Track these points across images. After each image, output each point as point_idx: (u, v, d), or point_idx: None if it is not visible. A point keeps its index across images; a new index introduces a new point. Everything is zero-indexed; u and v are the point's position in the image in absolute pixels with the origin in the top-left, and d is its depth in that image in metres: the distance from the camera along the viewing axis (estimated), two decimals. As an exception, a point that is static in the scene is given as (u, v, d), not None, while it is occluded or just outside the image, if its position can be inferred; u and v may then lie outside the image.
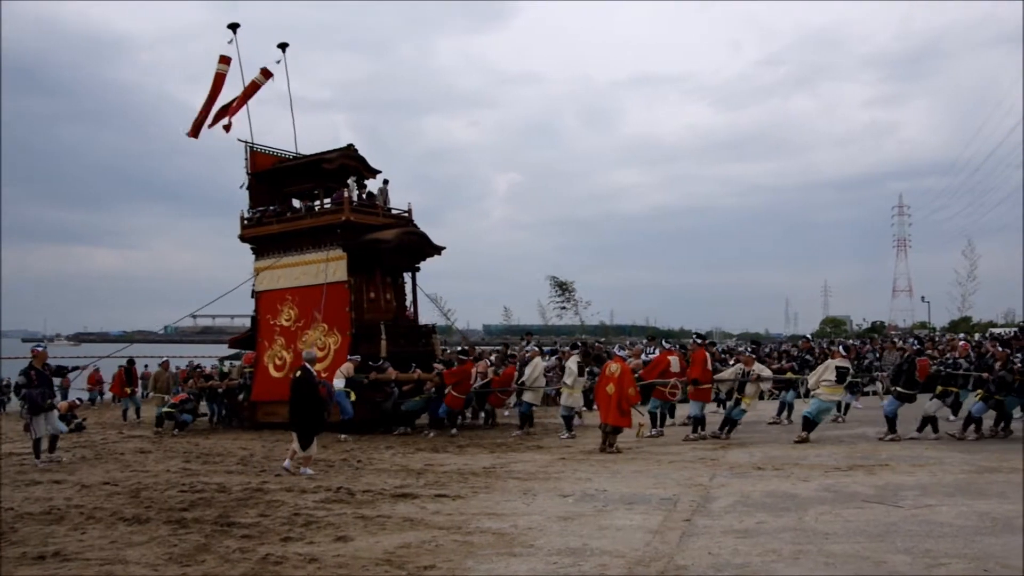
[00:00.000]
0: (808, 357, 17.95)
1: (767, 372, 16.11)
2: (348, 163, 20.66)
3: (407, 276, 21.31)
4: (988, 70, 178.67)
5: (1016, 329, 30.02)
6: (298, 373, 12.40)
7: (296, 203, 21.22)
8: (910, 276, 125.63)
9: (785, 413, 17.20)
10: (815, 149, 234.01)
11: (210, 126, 21.36)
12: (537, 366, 17.56)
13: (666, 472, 11.61)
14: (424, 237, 20.69)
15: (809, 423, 14.03)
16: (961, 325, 52.35)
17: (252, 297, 20.96)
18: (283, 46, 22.28)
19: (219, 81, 21.50)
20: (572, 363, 16.32)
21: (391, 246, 19.43)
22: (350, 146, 20.70)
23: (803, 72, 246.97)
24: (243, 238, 21.08)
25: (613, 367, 14.24)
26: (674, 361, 16.14)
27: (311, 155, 21.08)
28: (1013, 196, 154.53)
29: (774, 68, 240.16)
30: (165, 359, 24.56)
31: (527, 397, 17.54)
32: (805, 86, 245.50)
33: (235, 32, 21.59)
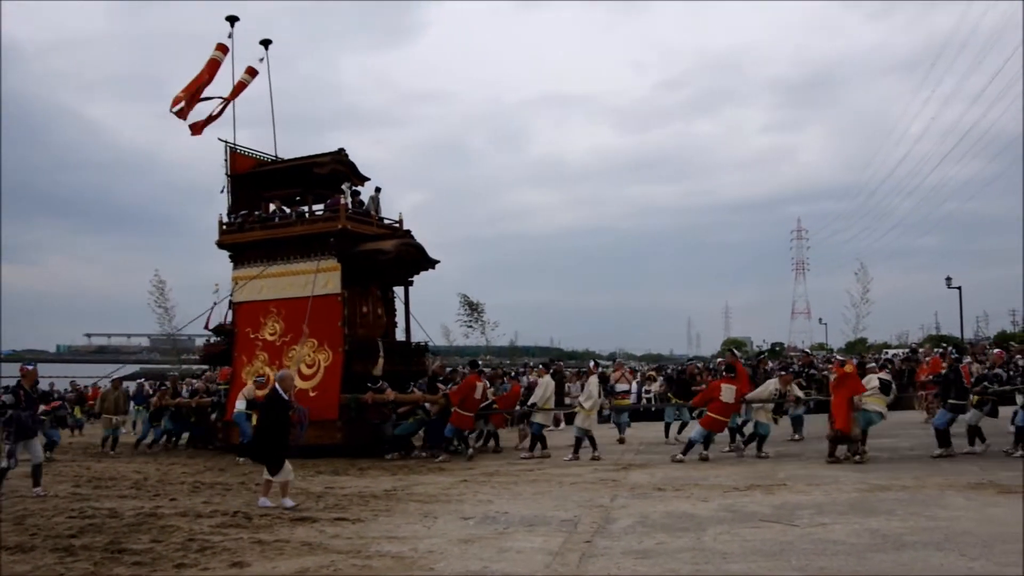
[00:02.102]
0: (813, 372, 18.12)
1: (799, 392, 16.06)
2: (339, 168, 19.07)
3: (393, 290, 20.18)
4: (881, 98, 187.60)
5: (908, 350, 31.44)
6: (267, 392, 11.80)
7: (275, 208, 19.50)
8: (808, 298, 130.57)
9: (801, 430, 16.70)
10: (716, 172, 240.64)
11: (180, 111, 19.39)
12: (548, 386, 16.53)
13: (567, 493, 11.37)
14: (421, 249, 19.29)
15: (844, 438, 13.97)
16: (857, 346, 54.18)
17: (230, 308, 19.38)
18: (266, 43, 21.06)
19: (213, 67, 20.05)
20: (592, 385, 15.81)
21: (390, 257, 17.99)
22: (341, 150, 19.18)
23: (704, 96, 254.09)
24: (221, 244, 19.46)
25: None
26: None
27: (301, 158, 19.64)
28: (905, 221, 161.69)
29: (676, 91, 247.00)
30: (116, 378, 22.09)
31: (538, 418, 16.48)
32: (706, 109, 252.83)
33: (233, 25, 20.35)
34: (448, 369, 21.74)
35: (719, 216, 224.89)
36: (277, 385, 11.21)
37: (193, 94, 19.99)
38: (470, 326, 51.06)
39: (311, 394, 17.01)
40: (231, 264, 19.47)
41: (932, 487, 10.54)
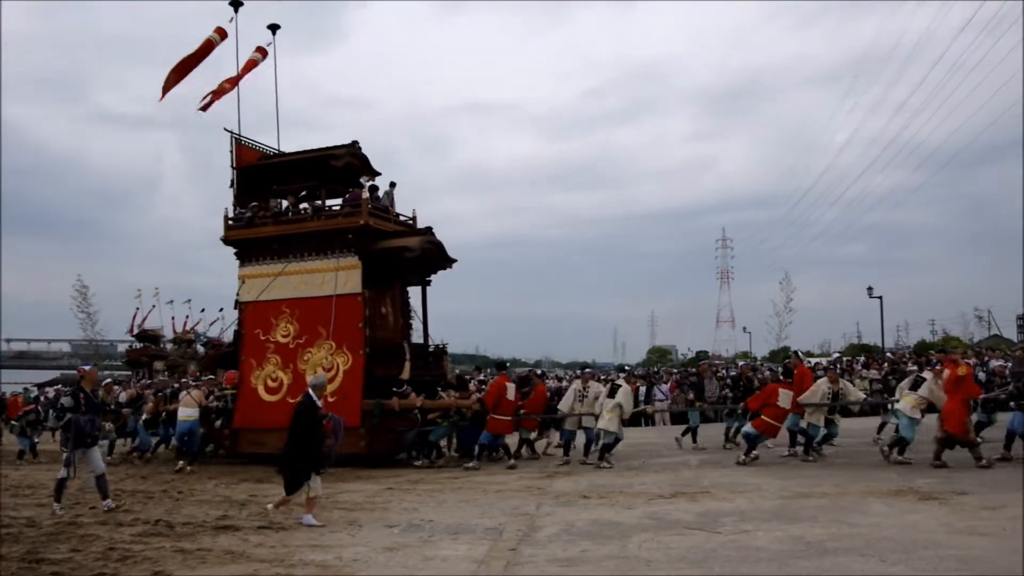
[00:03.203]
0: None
1: (858, 394, 15.45)
2: (353, 161, 17.66)
3: (404, 290, 18.94)
4: (804, 108, 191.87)
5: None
6: (300, 398, 10.63)
7: (288, 204, 18.15)
8: (732, 307, 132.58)
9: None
10: (640, 181, 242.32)
11: (167, 87, 18.51)
12: (602, 392, 15.29)
13: (492, 501, 11.00)
14: (442, 247, 18.03)
15: (904, 442, 13.14)
16: (780, 355, 55.28)
17: (236, 308, 17.92)
18: (273, 27, 19.70)
19: (207, 47, 18.79)
20: (625, 393, 14.73)
21: (415, 255, 16.77)
22: (355, 143, 17.91)
23: (627, 105, 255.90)
24: (227, 240, 17.87)
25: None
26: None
27: (316, 150, 18.11)
28: (829, 231, 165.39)
29: (599, 100, 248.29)
30: (107, 382, 19.73)
31: (569, 425, 15.65)
32: (629, 119, 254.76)
33: (236, 11, 19.05)
34: (457, 373, 20.48)
35: (643, 225, 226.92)
36: (310, 391, 10.28)
37: (180, 72, 18.66)
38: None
39: (329, 399, 15.05)
40: (237, 261, 17.95)
41: (853, 494, 10.18)
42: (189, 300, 52.47)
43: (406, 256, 16.72)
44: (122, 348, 59.43)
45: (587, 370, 18.74)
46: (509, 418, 15.27)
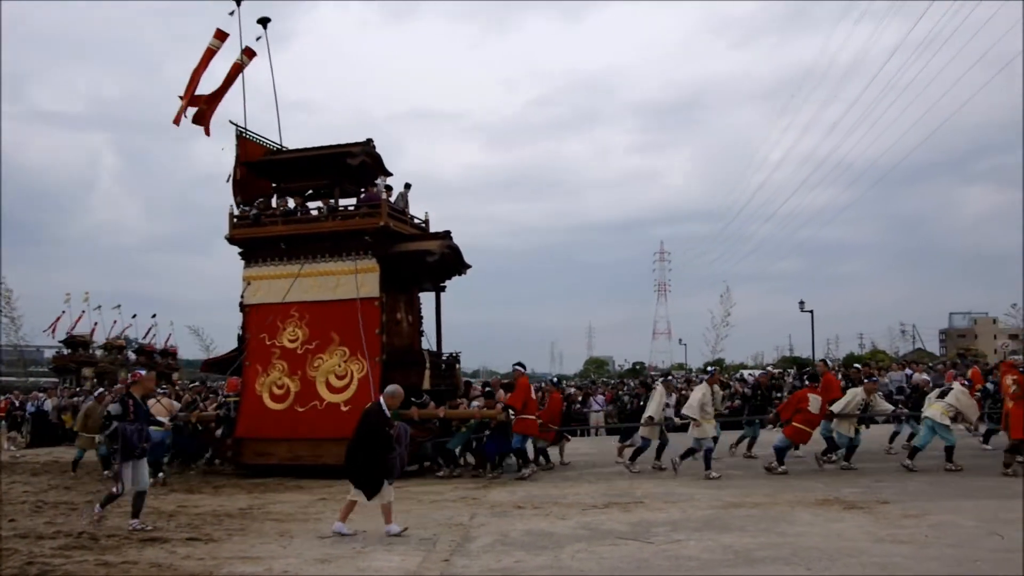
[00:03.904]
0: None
1: (886, 405, 15.21)
2: (367, 160, 16.58)
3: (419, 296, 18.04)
4: (743, 124, 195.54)
5: (760, 372, 32.89)
6: (369, 406, 10.24)
7: (296, 204, 17.06)
8: (669, 319, 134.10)
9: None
10: (584, 192, 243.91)
11: (183, 112, 17.49)
12: (662, 396, 15.04)
13: (427, 512, 10.62)
14: (459, 251, 17.02)
15: (950, 451, 13.16)
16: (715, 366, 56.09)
17: (241, 311, 16.58)
18: (264, 21, 18.10)
19: (207, 57, 17.57)
20: (704, 394, 14.05)
21: (436, 259, 15.84)
22: (369, 140, 16.78)
23: (574, 115, 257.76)
24: (232, 239, 16.54)
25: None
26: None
27: (332, 146, 16.74)
28: (763, 246, 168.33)
29: (546, 110, 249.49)
30: (101, 391, 18.57)
31: (645, 432, 14.94)
32: (576, 129, 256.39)
33: (239, 4, 17.67)
34: (466, 381, 19.49)
35: (586, 236, 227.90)
36: (382, 399, 9.84)
37: (192, 94, 17.56)
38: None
39: (343, 408, 14.86)
40: (242, 262, 16.77)
41: (783, 504, 10.08)
42: (119, 305, 51.30)
43: (428, 260, 15.83)
44: (49, 354, 57.85)
45: (669, 377, 17.89)
46: (536, 419, 14.50)
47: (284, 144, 17.90)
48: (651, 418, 14.61)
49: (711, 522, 9.14)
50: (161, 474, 14.52)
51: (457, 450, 15.47)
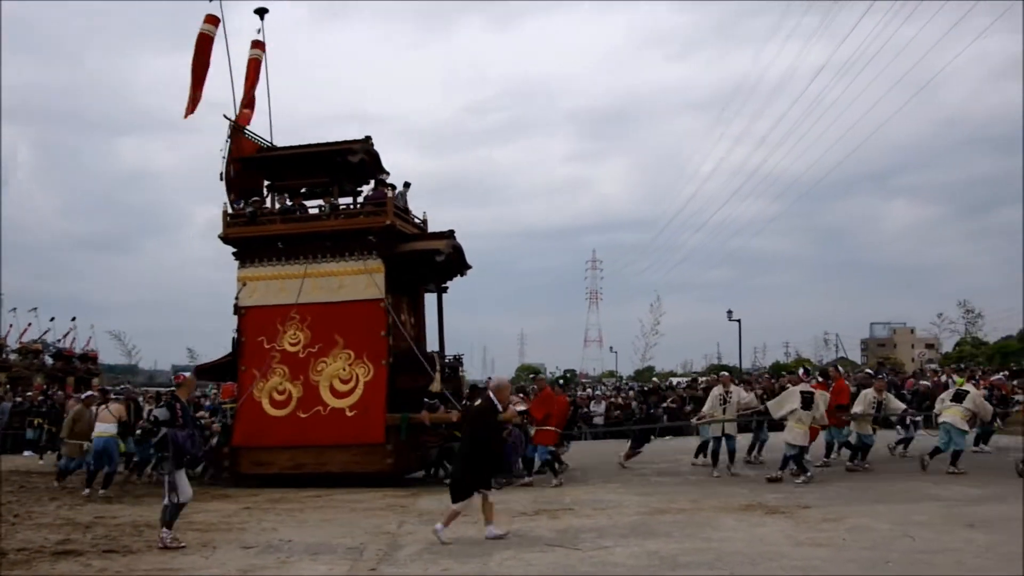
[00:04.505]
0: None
1: (899, 404, 15.25)
2: (367, 159, 15.91)
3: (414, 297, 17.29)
4: (677, 135, 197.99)
5: (689, 380, 33.44)
6: (478, 402, 9.75)
7: (293, 202, 16.32)
8: (600, 327, 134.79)
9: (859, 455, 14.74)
10: (520, 198, 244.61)
11: (193, 107, 16.57)
12: (715, 396, 14.71)
13: (355, 520, 10.32)
14: (461, 251, 16.53)
15: (957, 454, 13.26)
16: (645, 374, 56.66)
17: (235, 313, 15.67)
18: (261, 12, 17.48)
19: (206, 44, 16.67)
20: (794, 396, 13.54)
21: (443, 258, 15.40)
22: (368, 138, 16.13)
23: (510, 122, 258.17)
24: (227, 239, 15.70)
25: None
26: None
27: (332, 143, 16.16)
28: (694, 255, 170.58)
29: (483, 116, 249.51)
30: (89, 393, 17.28)
31: (713, 431, 14.58)
32: (512, 135, 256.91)
33: None
34: (472, 386, 18.61)
35: (520, 242, 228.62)
36: (491, 394, 9.38)
37: (201, 86, 16.86)
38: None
39: (348, 414, 14.29)
40: (236, 261, 15.97)
41: (707, 509, 10.02)
42: (35, 308, 49.91)
43: (436, 259, 15.28)
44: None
45: (724, 373, 17.18)
46: (556, 429, 14.09)
47: (273, 142, 17.28)
48: (706, 415, 14.65)
49: (637, 528, 8.96)
50: (101, 488, 13.84)
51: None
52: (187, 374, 10.03)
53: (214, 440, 15.30)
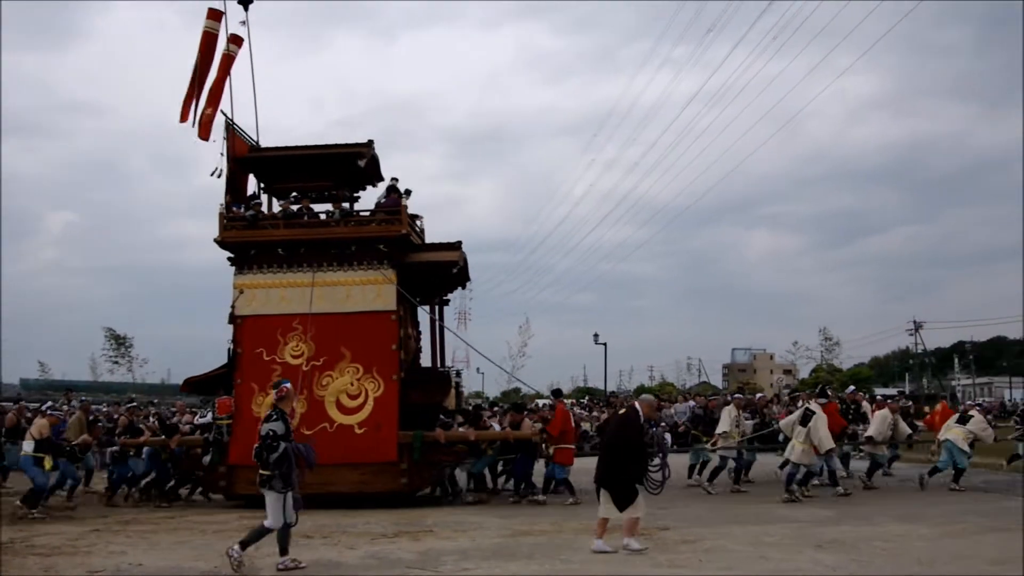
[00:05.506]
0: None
1: (906, 429, 15.31)
2: (370, 164, 15.46)
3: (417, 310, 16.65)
4: (549, 158, 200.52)
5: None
6: (622, 411, 9.65)
7: (300, 206, 15.53)
8: (468, 348, 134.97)
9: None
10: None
11: (198, 112, 15.64)
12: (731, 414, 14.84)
13: (209, 542, 9.86)
14: (467, 263, 15.85)
15: (960, 472, 13.80)
16: (511, 395, 56.94)
17: (231, 323, 14.82)
18: (245, 2, 16.10)
19: (212, 43, 15.69)
20: (799, 413, 13.65)
21: (458, 269, 14.91)
22: (371, 142, 15.55)
23: (381, 138, 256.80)
24: (223, 243, 14.76)
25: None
26: None
27: (338, 145, 15.51)
28: (563, 279, 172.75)
29: (353, 131, 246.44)
30: (85, 400, 16.72)
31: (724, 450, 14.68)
32: (382, 152, 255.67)
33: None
34: (472, 404, 18.10)
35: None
36: (637, 404, 9.34)
37: (202, 90, 15.83)
38: (116, 361, 47.77)
39: (357, 431, 13.63)
40: (232, 267, 15.12)
41: (569, 531, 9.94)
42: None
43: (452, 271, 14.89)
44: None
45: (737, 395, 17.10)
46: (573, 448, 13.92)
47: (259, 142, 16.37)
48: (725, 434, 14.65)
49: (500, 551, 8.91)
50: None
51: (458, 472, 15.05)
52: (288, 385, 9.32)
53: (206, 458, 14.57)
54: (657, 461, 9.01)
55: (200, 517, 12.09)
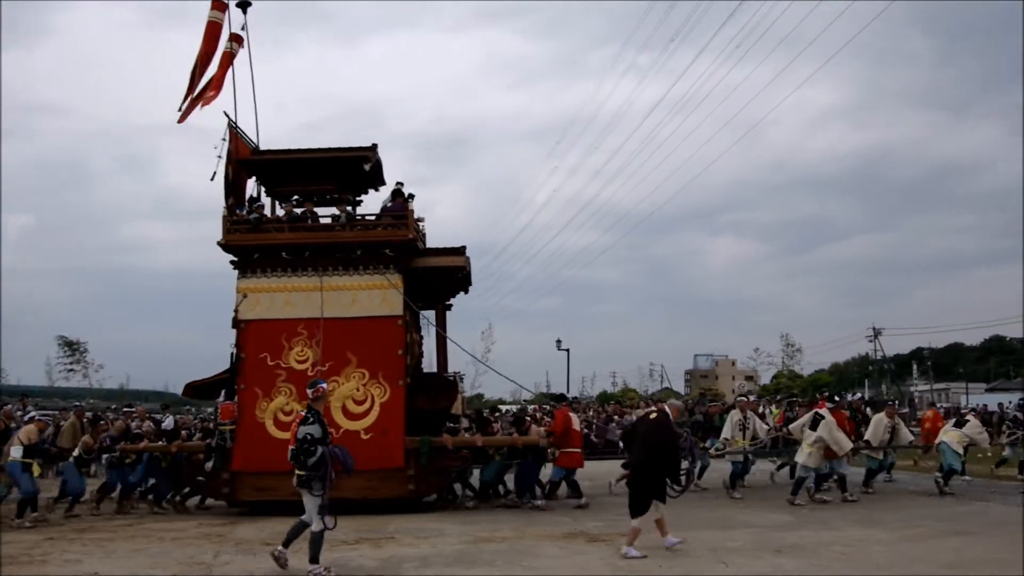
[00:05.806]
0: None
1: (908, 435, 15.57)
2: (374, 168, 15.21)
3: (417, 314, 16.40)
4: (513, 164, 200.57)
5: (518, 407, 33.96)
6: (653, 415, 9.64)
7: (305, 210, 15.41)
8: (431, 353, 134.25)
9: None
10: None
11: (202, 105, 15.52)
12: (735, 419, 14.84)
13: (167, 550, 9.77)
14: (470, 268, 15.78)
15: (952, 472, 14.12)
16: (474, 401, 56.97)
17: (234, 327, 14.57)
18: (243, 5, 15.95)
19: (214, 33, 15.49)
20: (809, 416, 13.83)
21: (464, 274, 14.91)
22: (375, 146, 15.32)
23: (345, 142, 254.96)
24: (227, 246, 14.57)
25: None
26: None
27: (345, 149, 15.37)
28: (526, 284, 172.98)
29: (315, 135, 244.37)
30: (79, 405, 16.31)
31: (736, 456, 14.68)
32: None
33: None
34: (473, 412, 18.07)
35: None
36: (667, 408, 9.39)
37: (202, 81, 15.61)
38: (71, 369, 47.10)
39: (363, 436, 13.47)
40: (236, 271, 14.90)
41: (530, 537, 10.09)
42: None
43: (459, 276, 14.88)
44: None
45: (741, 398, 17.06)
46: (578, 450, 13.95)
47: (258, 144, 16.20)
48: (727, 440, 14.81)
49: (461, 557, 8.99)
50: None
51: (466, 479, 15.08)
52: (324, 385, 9.30)
53: (208, 464, 14.39)
54: (686, 465, 9.06)
55: (158, 524, 12.13)
